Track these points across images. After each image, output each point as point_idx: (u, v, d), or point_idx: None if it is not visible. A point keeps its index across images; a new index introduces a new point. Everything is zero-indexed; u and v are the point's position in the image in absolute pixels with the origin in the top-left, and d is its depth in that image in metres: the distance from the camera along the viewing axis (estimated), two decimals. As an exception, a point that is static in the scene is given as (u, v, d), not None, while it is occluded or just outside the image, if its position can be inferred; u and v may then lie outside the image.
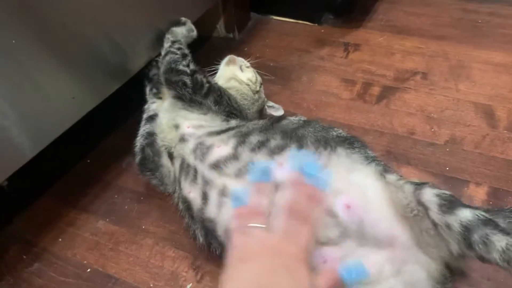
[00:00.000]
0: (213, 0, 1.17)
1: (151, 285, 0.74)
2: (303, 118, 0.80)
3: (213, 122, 0.80)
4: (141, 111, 0.91)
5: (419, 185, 0.62)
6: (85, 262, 0.79)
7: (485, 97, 0.99)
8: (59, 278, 0.77)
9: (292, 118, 0.80)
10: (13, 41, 0.66)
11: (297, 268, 0.55)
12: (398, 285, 0.59)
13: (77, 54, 0.78)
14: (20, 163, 0.73)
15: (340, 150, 0.68)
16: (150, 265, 0.77)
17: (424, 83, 1.06)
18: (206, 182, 0.69)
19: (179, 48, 0.87)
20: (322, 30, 1.29)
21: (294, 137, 0.70)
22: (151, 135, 0.85)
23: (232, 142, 0.71)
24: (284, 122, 0.78)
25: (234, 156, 0.69)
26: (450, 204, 0.59)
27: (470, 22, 1.24)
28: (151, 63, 0.96)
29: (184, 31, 0.93)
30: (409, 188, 0.62)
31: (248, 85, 0.93)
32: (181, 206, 0.75)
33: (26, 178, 0.80)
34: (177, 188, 0.76)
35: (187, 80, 0.81)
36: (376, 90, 1.06)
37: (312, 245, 0.58)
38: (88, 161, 0.98)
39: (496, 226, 0.56)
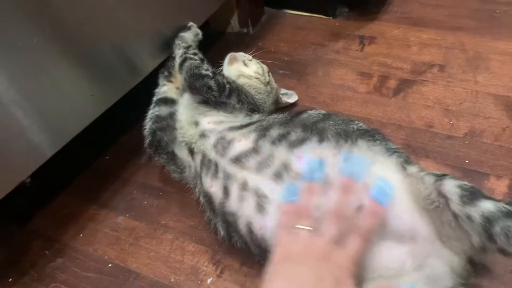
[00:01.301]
0: (227, -5, 1.17)
1: (172, 280, 0.75)
2: (322, 111, 0.80)
3: (235, 118, 0.80)
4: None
5: (439, 177, 0.62)
6: (106, 257, 0.80)
7: (504, 89, 0.98)
8: (81, 273, 0.78)
9: (311, 111, 0.80)
10: (34, 40, 0.67)
11: (343, 278, 0.54)
12: (420, 280, 0.59)
13: (95, 53, 0.79)
14: (41, 161, 0.75)
15: (361, 143, 0.68)
16: (170, 260, 0.78)
17: (441, 75, 1.05)
18: (227, 176, 0.70)
19: (195, 54, 0.88)
20: (337, 23, 1.28)
21: (314, 130, 0.70)
22: (162, 119, 0.86)
23: (252, 136, 0.72)
24: (304, 115, 0.78)
25: (255, 150, 0.69)
26: (471, 195, 0.59)
27: (487, 13, 1.22)
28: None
29: (191, 36, 0.94)
30: (429, 179, 0.62)
31: (257, 78, 0.93)
32: (202, 200, 0.75)
33: (47, 175, 0.81)
34: (198, 183, 0.77)
35: (212, 83, 0.82)
36: (392, 83, 1.05)
37: (362, 258, 0.57)
38: (107, 157, 0.99)
39: None
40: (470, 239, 0.58)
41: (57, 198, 0.92)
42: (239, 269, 0.74)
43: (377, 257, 0.59)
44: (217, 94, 0.81)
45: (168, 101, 0.89)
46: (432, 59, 1.10)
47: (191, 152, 0.79)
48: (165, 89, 0.91)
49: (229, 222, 0.69)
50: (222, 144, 0.73)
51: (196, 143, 0.78)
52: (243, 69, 0.95)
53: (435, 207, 0.60)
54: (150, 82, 0.93)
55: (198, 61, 0.86)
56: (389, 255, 0.59)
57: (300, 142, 0.68)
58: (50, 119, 0.75)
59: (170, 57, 0.93)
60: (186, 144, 0.80)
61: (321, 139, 0.68)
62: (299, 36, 1.26)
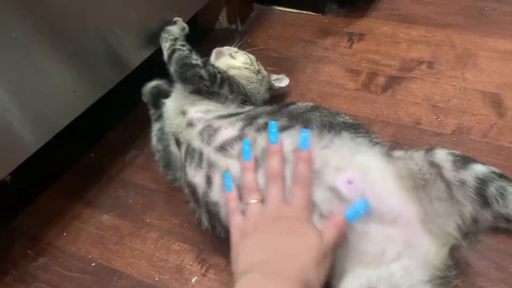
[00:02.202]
0: (216, -9, 1.16)
1: (156, 279, 0.74)
2: (310, 104, 0.80)
3: (226, 108, 0.80)
4: (143, 104, 0.90)
5: (429, 149, 0.63)
6: (89, 256, 0.79)
7: (492, 86, 0.98)
8: (64, 273, 0.77)
9: (300, 103, 0.80)
10: (13, 34, 0.65)
11: (299, 225, 0.57)
12: (397, 272, 0.58)
13: (78, 48, 0.78)
14: (23, 158, 0.73)
15: (345, 134, 0.68)
16: (155, 259, 0.77)
17: (430, 72, 1.04)
18: (211, 165, 0.69)
19: (183, 45, 0.88)
20: (326, 20, 1.28)
21: (300, 119, 0.71)
22: (160, 129, 0.85)
23: (239, 124, 0.72)
24: (292, 107, 0.78)
25: (240, 138, 0.69)
26: (464, 160, 0.60)
27: (477, 10, 1.22)
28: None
29: (178, 29, 0.93)
30: (419, 154, 0.63)
31: (247, 68, 0.93)
32: (186, 190, 0.75)
33: (29, 172, 0.79)
34: (182, 173, 0.76)
35: (203, 72, 0.81)
36: (381, 80, 1.04)
37: (311, 202, 0.60)
38: (92, 155, 0.97)
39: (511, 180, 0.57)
40: (462, 210, 0.58)
41: (41, 196, 0.90)
42: (224, 268, 0.73)
43: (358, 240, 0.59)
44: (208, 84, 0.81)
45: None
46: (421, 56, 1.09)
47: (178, 142, 0.78)
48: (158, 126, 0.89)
49: (212, 212, 0.69)
50: (208, 132, 0.72)
51: (182, 133, 0.77)
52: (231, 61, 0.94)
53: (426, 181, 0.61)
54: (137, 78, 0.92)
55: (187, 52, 0.85)
56: (369, 238, 0.59)
57: (284, 129, 0.68)
58: (32, 114, 0.73)
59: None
60: (173, 134, 0.80)
61: (305, 128, 0.68)
62: (288, 33, 1.25)
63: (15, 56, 0.67)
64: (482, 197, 0.57)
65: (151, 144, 0.87)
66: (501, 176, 0.59)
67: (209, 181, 0.69)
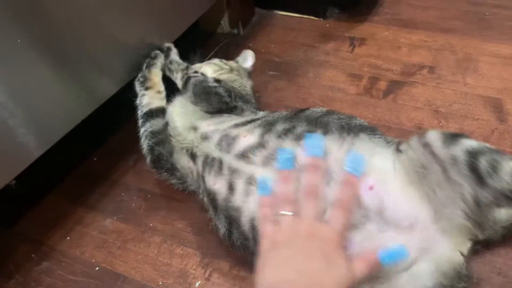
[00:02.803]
0: (218, -4, 1.17)
1: (160, 283, 0.74)
2: (325, 109, 0.80)
3: (240, 117, 0.81)
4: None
5: (422, 132, 0.64)
6: (93, 260, 0.79)
7: (493, 91, 0.98)
8: (68, 277, 0.77)
9: (314, 108, 0.80)
10: (19, 40, 0.66)
11: (333, 252, 0.55)
12: (408, 283, 0.58)
13: (82, 53, 0.78)
14: (27, 163, 0.74)
15: (363, 135, 0.69)
16: (158, 263, 0.77)
17: (431, 77, 1.05)
18: (233, 171, 0.69)
19: (195, 72, 0.88)
20: (327, 25, 1.28)
21: (319, 123, 0.71)
22: (157, 133, 0.83)
23: (258, 131, 0.72)
24: (307, 112, 0.78)
25: (261, 144, 0.70)
26: (453, 136, 0.60)
27: (477, 15, 1.22)
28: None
29: (177, 56, 0.94)
30: (414, 140, 0.64)
31: (221, 74, 0.93)
32: (205, 199, 0.75)
33: (33, 177, 0.80)
34: (201, 184, 0.76)
35: (221, 91, 0.82)
36: (382, 84, 1.05)
37: (347, 230, 0.58)
38: (95, 159, 0.98)
39: (504, 153, 0.57)
40: (462, 193, 0.58)
41: (44, 200, 0.90)
42: (228, 272, 0.74)
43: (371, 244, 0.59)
44: (229, 100, 0.82)
45: (156, 113, 0.86)
46: (422, 60, 1.10)
47: (193, 156, 0.78)
48: (147, 99, 0.87)
49: (233, 218, 0.69)
50: (227, 141, 0.73)
51: (198, 147, 0.77)
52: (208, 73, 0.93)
53: (424, 170, 0.61)
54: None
55: (201, 76, 0.86)
56: (386, 245, 0.58)
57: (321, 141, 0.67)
58: (37, 120, 0.74)
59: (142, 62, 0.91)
60: (187, 150, 0.80)
61: (326, 132, 0.69)
62: (290, 37, 1.25)
63: (20, 62, 0.68)
64: (475, 172, 0.57)
65: (141, 143, 0.85)
66: (491, 149, 0.58)
67: (231, 187, 0.69)
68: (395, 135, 0.91)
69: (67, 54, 0.75)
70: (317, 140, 0.61)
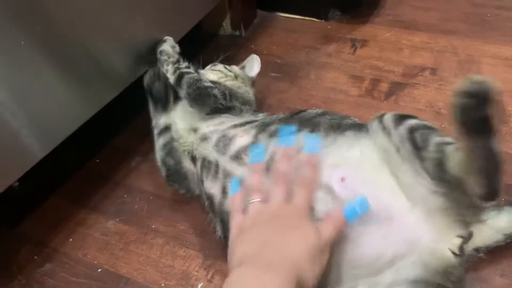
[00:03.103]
0: (219, -2, 1.17)
1: (162, 285, 0.74)
2: (320, 110, 0.80)
3: (240, 117, 0.81)
4: (148, 110, 0.91)
5: (380, 116, 0.67)
6: (95, 262, 0.79)
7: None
8: (70, 279, 0.78)
9: (310, 110, 0.81)
10: (22, 42, 0.66)
11: (297, 222, 0.57)
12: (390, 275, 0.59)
13: (86, 54, 0.78)
14: (30, 164, 0.74)
15: (348, 132, 0.70)
16: (161, 265, 0.77)
17: (433, 78, 1.05)
18: (227, 175, 0.70)
19: (188, 67, 0.87)
20: (329, 26, 1.28)
21: (309, 124, 0.72)
22: (167, 145, 0.84)
23: (253, 132, 0.73)
24: (303, 113, 0.79)
25: (254, 144, 0.70)
26: (401, 117, 0.63)
27: (479, 16, 1.22)
28: (145, 73, 0.91)
29: (170, 48, 0.90)
30: (375, 123, 0.67)
31: (226, 81, 0.91)
32: (206, 203, 0.75)
33: (36, 179, 0.80)
34: (201, 187, 0.76)
35: (216, 92, 0.81)
36: (384, 86, 1.05)
37: (311, 204, 0.61)
38: (97, 160, 0.98)
39: (436, 129, 0.61)
40: (418, 169, 0.59)
41: (47, 202, 0.91)
42: (230, 273, 0.74)
43: (355, 245, 0.60)
44: (224, 102, 0.81)
45: (169, 126, 0.86)
46: (423, 62, 1.10)
47: (193, 159, 0.79)
48: (163, 120, 0.87)
49: (225, 221, 0.69)
50: (224, 142, 0.73)
51: (197, 149, 0.78)
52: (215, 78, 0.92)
53: (387, 155, 0.63)
54: (142, 83, 0.92)
55: (195, 74, 0.84)
56: (366, 241, 0.60)
57: (294, 133, 0.69)
58: (40, 121, 0.74)
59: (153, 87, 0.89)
60: (188, 152, 0.80)
61: (312, 130, 0.70)
62: (292, 39, 1.25)
63: (23, 63, 0.68)
64: (415, 146, 0.59)
65: (157, 159, 0.85)
66: (427, 126, 0.61)
67: (224, 191, 0.69)
68: (397, 137, 0.91)
69: (70, 55, 0.75)
70: (289, 131, 0.66)
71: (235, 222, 0.62)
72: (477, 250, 0.64)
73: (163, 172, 0.83)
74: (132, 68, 0.89)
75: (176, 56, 0.89)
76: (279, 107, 1.02)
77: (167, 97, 0.87)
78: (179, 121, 0.84)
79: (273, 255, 0.53)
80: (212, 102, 0.80)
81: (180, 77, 0.84)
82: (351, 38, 1.22)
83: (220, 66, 0.96)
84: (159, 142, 0.85)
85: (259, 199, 0.62)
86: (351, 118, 0.77)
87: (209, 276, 0.74)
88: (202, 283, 0.74)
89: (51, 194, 0.92)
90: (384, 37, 1.20)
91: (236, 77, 0.94)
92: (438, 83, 1.03)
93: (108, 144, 1.01)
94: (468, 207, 0.60)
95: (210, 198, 0.72)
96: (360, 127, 0.72)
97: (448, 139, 0.58)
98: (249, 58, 0.99)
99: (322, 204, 0.62)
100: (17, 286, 0.77)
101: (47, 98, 0.74)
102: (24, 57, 0.67)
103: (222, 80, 0.91)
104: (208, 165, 0.74)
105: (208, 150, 0.75)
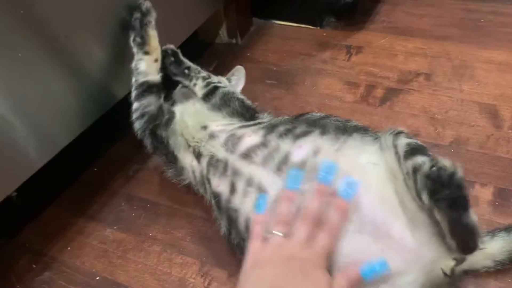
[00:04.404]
0: (215, 6, 1.18)
1: (160, 292, 0.75)
2: (323, 113, 0.81)
3: (248, 120, 0.83)
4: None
5: (396, 135, 0.67)
6: (94, 270, 0.80)
7: (489, 97, 0.99)
8: (69, 287, 0.78)
9: (313, 113, 0.82)
10: (20, 54, 0.67)
11: (312, 271, 0.56)
12: None
13: (82, 65, 0.79)
14: (28, 174, 0.74)
15: (355, 135, 0.70)
16: (158, 272, 0.78)
17: (427, 84, 1.06)
18: (235, 172, 0.71)
19: (219, 82, 0.89)
20: (324, 34, 1.29)
21: (317, 124, 0.73)
22: (156, 116, 0.81)
23: (261, 132, 0.74)
24: (308, 115, 0.80)
25: (263, 144, 0.71)
26: (412, 151, 0.62)
27: (472, 22, 1.24)
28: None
29: (190, 62, 0.92)
30: (390, 139, 0.66)
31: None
32: (212, 201, 0.76)
33: (34, 188, 0.80)
34: (206, 186, 0.77)
35: (250, 104, 0.87)
36: (379, 92, 1.06)
37: (332, 252, 0.59)
38: (95, 169, 0.99)
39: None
40: (418, 198, 0.59)
41: (45, 211, 0.91)
42: (227, 281, 0.74)
43: (348, 249, 0.60)
44: (254, 113, 0.85)
45: (153, 89, 0.83)
46: (418, 68, 1.11)
47: (198, 155, 0.79)
48: (144, 66, 0.82)
49: (232, 218, 0.70)
50: (232, 141, 0.74)
51: (204, 146, 0.78)
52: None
53: (395, 176, 0.63)
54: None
55: (230, 88, 0.89)
56: (363, 251, 0.60)
57: (304, 134, 0.71)
58: (37, 131, 0.75)
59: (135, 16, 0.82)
60: (194, 148, 0.80)
61: (323, 132, 0.71)
62: (287, 46, 1.27)
63: (21, 74, 0.69)
64: (415, 187, 0.59)
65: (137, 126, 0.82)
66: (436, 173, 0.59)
67: (232, 188, 0.70)
68: (392, 142, 0.92)
69: (66, 67, 0.76)
70: (328, 167, 0.63)
71: (253, 249, 0.60)
72: (466, 272, 0.65)
73: (147, 141, 0.83)
74: (128, 78, 0.90)
75: (206, 72, 0.90)
76: (275, 114, 1.01)
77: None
78: (188, 118, 0.84)
79: None
80: (243, 110, 0.84)
81: (213, 90, 0.86)
82: (346, 45, 1.23)
83: (221, 78, 0.96)
84: (141, 105, 0.82)
85: (282, 234, 0.59)
86: (352, 120, 0.78)
87: (206, 283, 0.75)
88: (199, 290, 0.74)
89: (50, 203, 0.92)
90: (378, 43, 1.21)
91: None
92: (433, 89, 1.04)
93: (105, 153, 1.02)
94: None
95: (217, 196, 0.73)
96: (365, 130, 0.73)
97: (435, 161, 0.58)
98: (234, 70, 0.99)
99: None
100: (16, 295, 0.78)
101: (45, 108, 0.75)
102: (22, 69, 0.68)
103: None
104: (215, 163, 0.74)
105: (216, 148, 0.76)
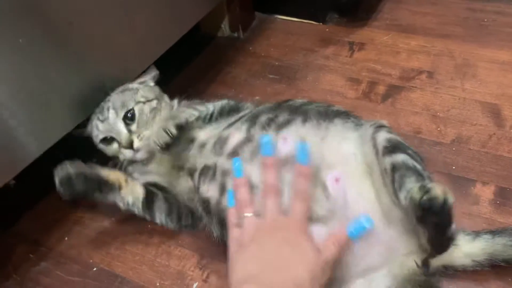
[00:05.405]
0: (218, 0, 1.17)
1: (158, 284, 0.74)
2: (305, 99, 0.82)
3: (232, 116, 0.81)
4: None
5: (377, 127, 0.67)
6: (91, 261, 0.79)
7: (491, 96, 0.99)
8: (66, 277, 0.78)
9: (296, 99, 0.82)
10: (20, 40, 0.66)
11: (297, 238, 0.57)
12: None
13: (84, 53, 0.79)
14: (26, 162, 0.74)
15: (337, 120, 0.71)
16: (156, 264, 0.77)
17: (429, 82, 1.05)
18: (224, 173, 0.69)
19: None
20: (327, 29, 1.29)
21: (299, 112, 0.72)
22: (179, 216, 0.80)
23: (244, 127, 0.72)
24: (291, 102, 0.80)
25: (248, 139, 0.70)
26: (392, 148, 0.63)
27: (476, 21, 1.23)
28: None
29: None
30: (370, 131, 0.67)
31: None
32: (200, 209, 0.74)
33: (32, 177, 0.80)
34: (196, 196, 0.75)
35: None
36: (381, 89, 1.06)
37: (307, 216, 0.61)
38: (94, 160, 0.97)
39: (419, 175, 0.59)
40: (393, 197, 0.60)
41: (43, 201, 0.91)
42: (226, 274, 0.72)
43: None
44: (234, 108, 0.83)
45: (154, 197, 0.79)
46: (420, 65, 1.11)
47: (192, 172, 0.75)
48: (130, 199, 0.77)
49: (223, 219, 0.69)
50: (220, 143, 0.73)
51: (196, 161, 0.75)
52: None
53: (372, 169, 0.64)
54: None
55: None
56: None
57: (287, 123, 0.70)
58: (37, 119, 0.74)
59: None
60: (188, 170, 0.76)
61: (304, 119, 0.70)
62: (290, 41, 1.26)
63: (21, 62, 0.68)
64: (393, 184, 0.60)
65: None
66: (412, 168, 0.60)
67: (222, 189, 0.69)
68: (393, 139, 0.92)
69: (68, 54, 0.76)
70: (264, 139, 0.65)
71: (233, 236, 0.62)
72: (445, 267, 0.65)
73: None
74: (130, 66, 0.89)
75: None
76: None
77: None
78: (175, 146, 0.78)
79: (275, 277, 0.53)
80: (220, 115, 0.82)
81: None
82: (349, 41, 1.22)
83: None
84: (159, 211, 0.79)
85: (251, 214, 0.62)
86: (335, 105, 0.79)
87: (205, 276, 0.74)
88: (197, 283, 0.74)
89: (48, 193, 0.91)
90: (381, 40, 1.21)
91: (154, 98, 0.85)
92: (435, 87, 1.04)
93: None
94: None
95: (206, 201, 0.72)
96: (346, 115, 0.74)
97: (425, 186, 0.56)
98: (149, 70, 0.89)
99: (317, 204, 0.62)
100: (12, 284, 0.77)
101: (45, 96, 0.74)
102: (22, 56, 0.68)
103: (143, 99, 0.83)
104: (206, 171, 0.72)
105: (207, 155, 0.74)
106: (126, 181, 0.77)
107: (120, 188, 0.76)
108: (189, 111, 0.80)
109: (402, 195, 0.57)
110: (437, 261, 0.63)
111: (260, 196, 0.63)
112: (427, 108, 0.98)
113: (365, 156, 0.66)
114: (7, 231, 0.86)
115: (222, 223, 0.69)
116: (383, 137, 0.65)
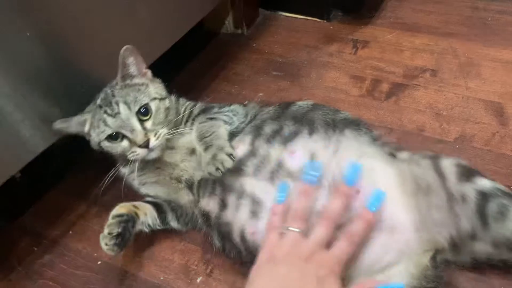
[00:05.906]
0: (222, -4, 1.17)
1: (162, 278, 0.75)
2: (310, 102, 0.80)
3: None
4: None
5: (435, 157, 0.64)
6: (95, 254, 0.80)
7: (494, 95, 0.99)
8: (70, 270, 0.78)
9: (300, 102, 0.79)
10: (28, 33, 0.66)
11: (327, 278, 0.55)
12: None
13: (89, 48, 0.79)
14: (32, 156, 0.74)
15: (348, 132, 0.69)
16: (160, 259, 0.78)
17: (433, 80, 1.06)
18: (225, 189, 0.68)
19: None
20: (331, 27, 1.29)
21: (305, 121, 0.71)
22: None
23: (248, 139, 0.71)
24: (294, 107, 0.78)
25: (252, 153, 0.68)
26: (468, 173, 0.60)
27: (480, 20, 1.23)
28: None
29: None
30: (425, 160, 0.64)
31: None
32: (200, 221, 0.74)
33: (38, 170, 0.80)
34: (195, 209, 0.75)
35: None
36: (385, 87, 1.06)
37: (349, 261, 0.58)
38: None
39: None
40: (459, 224, 0.59)
41: (48, 194, 0.91)
42: (229, 268, 0.74)
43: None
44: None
45: (163, 208, 0.80)
46: (424, 64, 1.11)
47: (191, 186, 0.75)
48: (149, 220, 0.78)
49: (224, 232, 0.68)
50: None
51: (194, 173, 0.74)
52: None
53: (428, 189, 0.62)
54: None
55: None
56: (369, 244, 0.60)
57: (293, 136, 0.68)
58: (42, 113, 0.74)
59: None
60: (186, 182, 0.76)
61: (311, 131, 0.69)
62: (293, 38, 1.26)
63: (27, 55, 0.68)
64: (481, 212, 0.57)
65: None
66: (505, 193, 0.58)
67: (223, 203, 0.67)
68: (397, 137, 0.92)
69: (74, 47, 0.76)
70: (353, 169, 0.62)
71: (269, 242, 0.59)
72: (447, 261, 0.65)
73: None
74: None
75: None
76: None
77: None
78: (174, 154, 0.77)
79: None
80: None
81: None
82: (353, 39, 1.22)
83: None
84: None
85: (299, 230, 0.59)
86: (342, 111, 0.77)
87: (208, 270, 0.75)
88: (201, 277, 0.74)
89: (53, 186, 0.92)
90: (385, 38, 1.21)
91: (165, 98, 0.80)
92: (438, 85, 1.04)
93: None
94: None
95: (205, 215, 0.70)
96: (357, 124, 0.73)
97: None
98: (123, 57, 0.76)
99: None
100: (16, 277, 0.78)
101: (51, 90, 0.74)
102: (29, 49, 0.68)
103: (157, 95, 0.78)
104: (205, 185, 0.71)
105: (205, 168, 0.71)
106: (136, 207, 0.77)
107: (138, 216, 0.75)
108: (222, 129, 0.75)
109: (508, 222, 0.57)
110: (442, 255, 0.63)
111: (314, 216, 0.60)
112: (430, 106, 0.99)
113: (408, 174, 0.64)
114: (12, 224, 0.86)
115: (224, 237, 0.69)
116: (448, 164, 0.63)
